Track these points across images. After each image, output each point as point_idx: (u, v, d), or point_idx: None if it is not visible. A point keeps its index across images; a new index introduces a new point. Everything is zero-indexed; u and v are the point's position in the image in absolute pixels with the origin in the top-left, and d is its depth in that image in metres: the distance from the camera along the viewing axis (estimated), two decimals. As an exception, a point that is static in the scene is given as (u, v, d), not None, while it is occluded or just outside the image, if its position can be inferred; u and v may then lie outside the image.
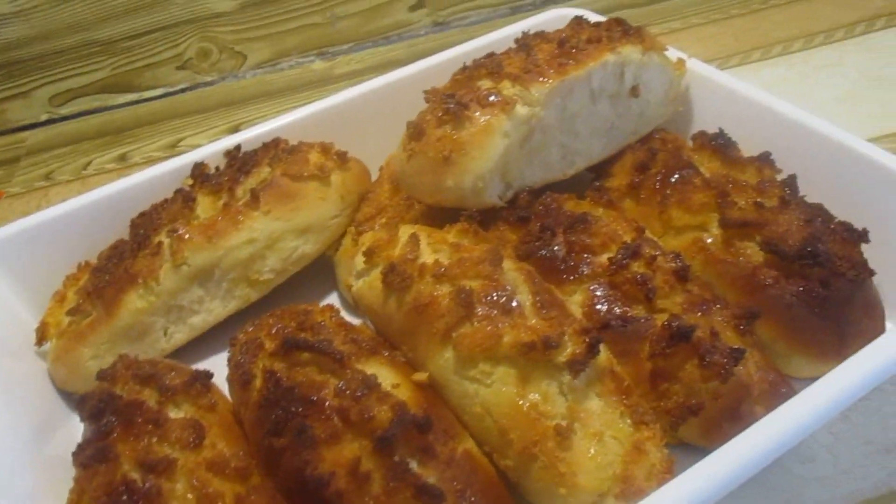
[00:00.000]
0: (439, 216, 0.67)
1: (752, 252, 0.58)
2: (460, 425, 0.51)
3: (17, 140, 1.06)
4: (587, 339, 0.49)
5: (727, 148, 0.66)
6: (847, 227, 0.59)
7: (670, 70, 0.71)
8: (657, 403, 0.52)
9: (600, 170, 0.70)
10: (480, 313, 0.51)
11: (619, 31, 0.68)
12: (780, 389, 0.53)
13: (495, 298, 0.52)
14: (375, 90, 0.80)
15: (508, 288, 0.53)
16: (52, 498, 0.55)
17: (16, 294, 0.70)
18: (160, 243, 0.65)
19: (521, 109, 0.61)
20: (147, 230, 0.67)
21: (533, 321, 0.51)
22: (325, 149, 0.71)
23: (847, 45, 0.98)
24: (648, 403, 0.51)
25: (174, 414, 0.54)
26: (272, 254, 0.67)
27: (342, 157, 0.71)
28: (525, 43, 0.67)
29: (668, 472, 0.47)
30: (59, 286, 0.72)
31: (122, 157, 1.00)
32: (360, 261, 0.60)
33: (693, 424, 0.52)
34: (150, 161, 1.00)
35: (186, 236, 0.64)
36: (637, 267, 0.55)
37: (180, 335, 0.67)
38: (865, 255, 0.59)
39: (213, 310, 0.68)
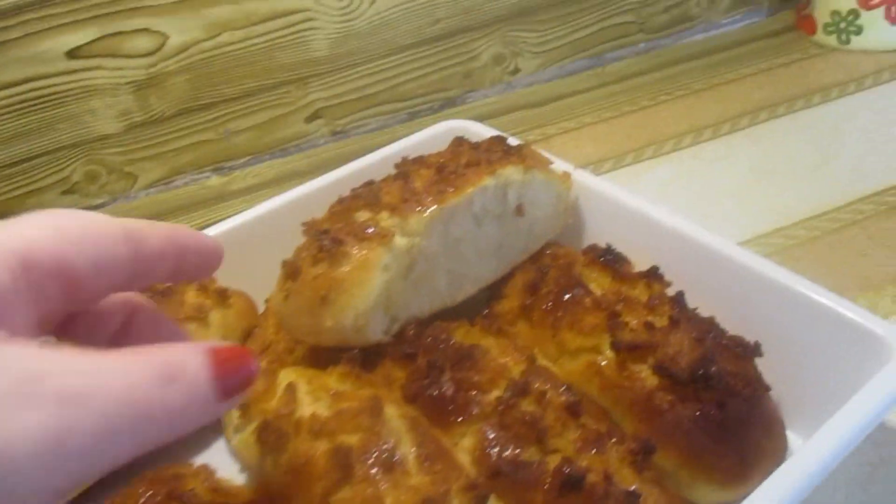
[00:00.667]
0: (327, 353, 0.64)
1: (646, 375, 0.57)
2: None
3: None
4: (474, 497, 0.46)
5: (616, 263, 0.65)
6: (739, 343, 0.58)
7: (556, 185, 0.70)
8: (555, 557, 0.48)
9: (493, 291, 0.68)
10: (360, 473, 0.47)
11: (500, 151, 0.67)
12: (684, 525, 0.51)
13: (376, 455, 0.48)
14: (263, 216, 0.77)
15: (391, 441, 0.49)
16: None
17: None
18: None
19: (400, 241, 0.58)
20: None
21: (416, 479, 0.47)
22: (203, 287, 0.68)
23: (734, 138, 1.00)
24: (545, 557, 0.48)
25: None
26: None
27: (222, 294, 0.68)
28: (403, 171, 0.66)
29: None
30: None
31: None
32: (234, 414, 0.56)
33: (595, 575, 0.49)
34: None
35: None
36: (527, 405, 0.53)
37: None
38: (760, 369, 0.58)
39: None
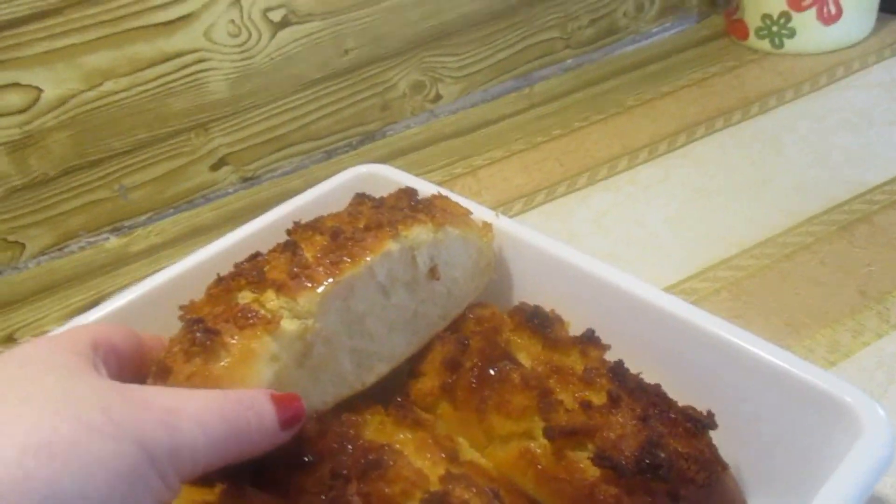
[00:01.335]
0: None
1: (586, 465, 0.49)
2: None
3: None
4: None
5: (547, 327, 0.57)
6: (690, 416, 0.50)
7: (475, 239, 0.62)
8: None
9: (411, 367, 0.60)
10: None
11: (406, 208, 0.59)
12: None
13: None
14: (162, 285, 0.67)
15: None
16: None
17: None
18: None
19: (288, 325, 0.49)
20: None
21: None
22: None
23: (671, 159, 0.94)
24: None
25: None
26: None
27: None
28: (292, 239, 0.57)
29: None
30: None
31: None
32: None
33: None
34: None
35: None
36: (446, 522, 0.44)
37: None
38: (716, 441, 0.51)
39: None
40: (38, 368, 0.35)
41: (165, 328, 0.57)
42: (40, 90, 0.87)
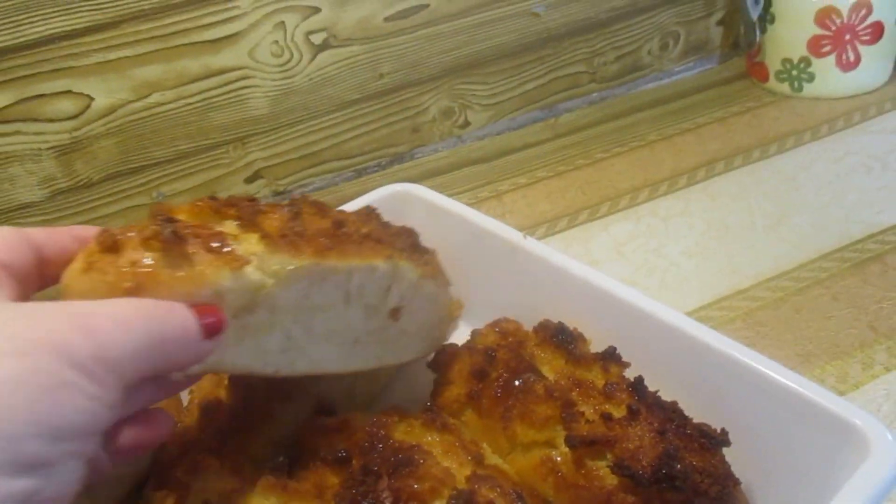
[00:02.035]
0: (254, 454, 0.57)
1: (604, 474, 0.51)
2: None
3: None
4: None
5: (570, 344, 0.60)
6: (704, 432, 0.53)
7: (443, 307, 0.63)
8: None
9: (439, 376, 0.63)
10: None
11: (407, 242, 0.60)
12: None
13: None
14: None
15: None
16: None
17: None
18: None
19: (251, 273, 0.45)
20: None
21: None
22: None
23: (691, 192, 0.97)
24: None
25: None
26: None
27: None
28: (296, 205, 0.54)
29: None
30: None
31: None
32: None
33: None
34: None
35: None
36: (473, 518, 0.47)
37: None
38: (729, 459, 0.54)
39: None
40: None
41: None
42: (91, 98, 0.92)
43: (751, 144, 1.06)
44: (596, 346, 0.63)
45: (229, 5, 0.94)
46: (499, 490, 0.49)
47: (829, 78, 1.13)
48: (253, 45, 0.97)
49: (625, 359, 0.60)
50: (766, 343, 0.72)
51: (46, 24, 0.86)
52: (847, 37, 1.10)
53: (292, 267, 0.47)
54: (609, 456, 0.52)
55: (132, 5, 0.89)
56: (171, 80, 0.95)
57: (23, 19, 0.85)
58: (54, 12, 0.86)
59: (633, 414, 0.53)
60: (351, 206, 0.80)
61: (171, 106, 0.96)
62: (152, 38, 0.91)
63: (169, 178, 1.00)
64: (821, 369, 0.69)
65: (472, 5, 1.07)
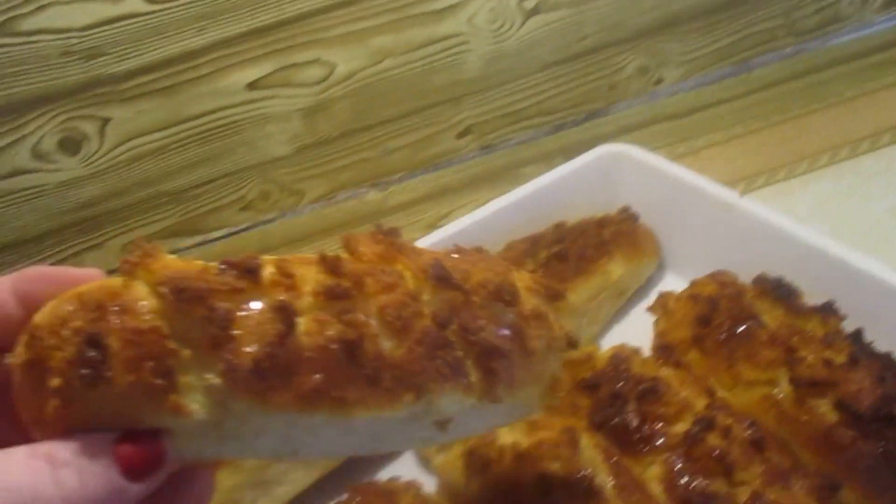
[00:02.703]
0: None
1: (825, 411, 0.59)
2: None
3: (94, 288, 1.12)
4: (672, 528, 0.50)
5: (789, 297, 0.67)
6: (919, 381, 0.59)
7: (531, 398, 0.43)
8: (746, 584, 0.52)
9: (660, 320, 0.72)
10: (562, 500, 0.53)
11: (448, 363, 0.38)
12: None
13: (576, 483, 0.53)
14: (437, 245, 0.82)
15: (588, 470, 0.54)
16: None
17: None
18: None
19: (198, 415, 0.34)
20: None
21: (616, 508, 0.52)
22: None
23: (894, 150, 0.99)
24: (737, 585, 0.52)
25: None
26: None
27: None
28: (289, 314, 0.35)
29: None
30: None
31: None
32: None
33: None
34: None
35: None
36: (713, 439, 0.56)
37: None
38: (941, 405, 0.59)
39: (298, 479, 0.70)
40: None
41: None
42: (334, 65, 1.05)
43: (959, 100, 1.05)
44: (809, 301, 0.69)
45: (453, -22, 1.04)
46: (734, 418, 0.58)
47: None
48: (472, 12, 1.06)
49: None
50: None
51: (305, 1, 0.99)
52: None
53: (257, 416, 0.35)
54: (830, 396, 0.59)
55: (372, -19, 1.01)
56: (400, 47, 1.06)
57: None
58: (310, -9, 0.99)
59: (853, 361, 0.60)
60: (565, 170, 0.89)
61: (399, 70, 1.08)
62: (388, 10, 1.03)
63: (393, 135, 1.13)
64: None
65: (672, -34, 1.11)
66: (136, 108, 1.03)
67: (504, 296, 0.40)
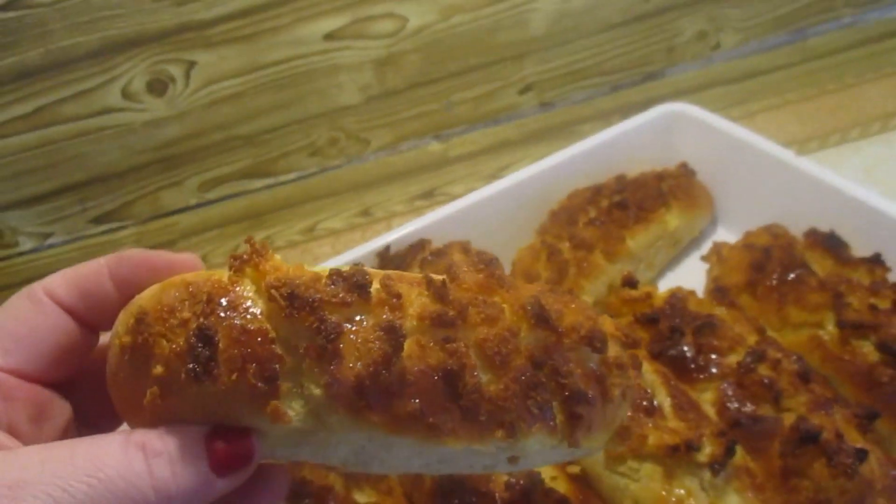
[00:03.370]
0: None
1: (867, 351, 0.64)
2: (611, 514, 0.59)
3: (171, 223, 1.20)
4: (724, 441, 0.56)
5: (839, 249, 0.72)
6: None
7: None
8: (787, 497, 0.58)
9: (713, 267, 0.77)
10: (628, 415, 0.58)
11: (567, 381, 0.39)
12: (901, 483, 0.59)
13: (638, 401, 0.59)
14: (502, 192, 0.88)
15: (648, 391, 0.60)
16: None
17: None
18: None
19: (296, 421, 0.34)
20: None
21: (673, 423, 0.58)
22: (465, 249, 0.81)
23: (946, 120, 1.02)
24: (780, 497, 0.58)
25: (360, 498, 0.63)
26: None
27: (481, 257, 0.80)
28: (398, 335, 0.35)
29: (805, 564, 0.54)
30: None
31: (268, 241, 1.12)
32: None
33: (820, 515, 0.58)
34: (291, 245, 1.13)
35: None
36: (763, 370, 0.62)
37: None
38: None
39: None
40: None
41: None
42: (407, 19, 1.10)
43: None
44: (857, 254, 0.74)
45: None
46: (783, 353, 0.64)
47: None
48: (541, -27, 1.10)
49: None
50: None
51: (383, -43, 1.04)
52: None
53: (348, 430, 0.35)
54: (873, 338, 0.64)
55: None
56: (470, 3, 1.11)
57: (363, -46, 1.04)
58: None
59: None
60: (628, 126, 0.94)
61: (468, 27, 1.13)
62: (462, -32, 1.08)
63: (457, 89, 1.18)
64: None
65: (737, -68, 1.14)
66: (220, 53, 1.09)
67: (595, 342, 0.39)
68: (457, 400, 0.35)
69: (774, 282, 0.71)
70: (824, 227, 0.76)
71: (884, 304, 0.66)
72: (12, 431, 0.37)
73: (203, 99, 1.13)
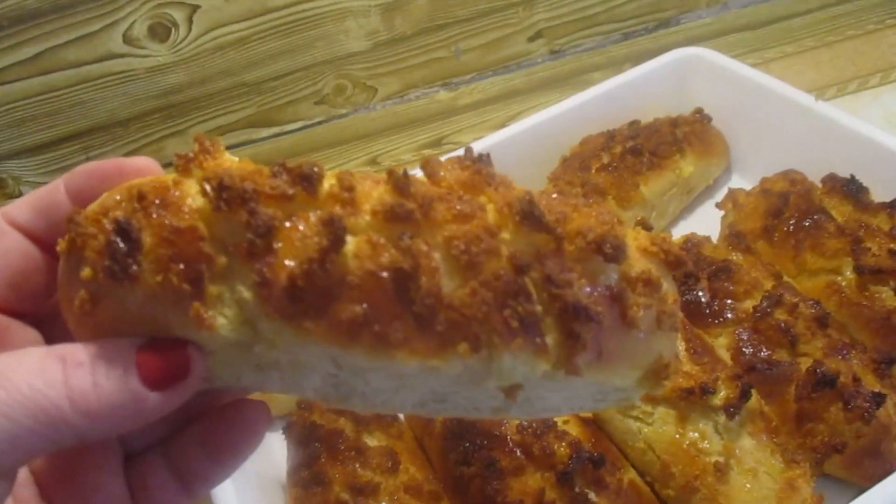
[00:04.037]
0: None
1: (886, 297, 0.63)
2: (622, 457, 0.58)
3: (175, 173, 1.19)
4: (740, 385, 0.55)
5: (859, 193, 0.70)
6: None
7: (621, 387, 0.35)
8: (802, 441, 0.57)
9: (728, 214, 0.76)
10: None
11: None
12: (917, 428, 0.58)
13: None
14: (514, 138, 0.86)
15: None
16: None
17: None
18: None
19: (226, 332, 0.30)
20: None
21: (688, 367, 0.57)
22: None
23: (968, 67, 0.99)
24: (794, 441, 0.57)
25: (370, 442, 0.63)
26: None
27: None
28: (338, 228, 0.30)
29: (819, 507, 0.53)
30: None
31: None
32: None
33: (835, 459, 0.57)
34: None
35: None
36: (779, 314, 0.61)
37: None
38: None
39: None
40: None
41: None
42: (415, -38, 1.07)
43: None
44: (877, 199, 0.72)
45: None
46: (800, 297, 0.62)
47: None
48: (553, -86, 1.07)
49: (907, 210, 0.70)
50: None
51: None
52: None
53: (289, 343, 0.30)
54: (892, 283, 0.63)
55: None
56: (479, -55, 1.08)
57: None
58: None
59: (917, 252, 0.64)
60: (642, 70, 0.92)
61: (477, -31, 1.10)
62: None
63: (466, 35, 1.16)
64: None
65: None
66: (223, -4, 1.06)
67: (606, 249, 0.31)
68: (410, 306, 0.29)
69: (791, 228, 0.69)
70: (843, 173, 0.74)
71: (903, 250, 0.64)
72: None
73: (207, 44, 1.10)
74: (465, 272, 0.30)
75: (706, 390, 0.54)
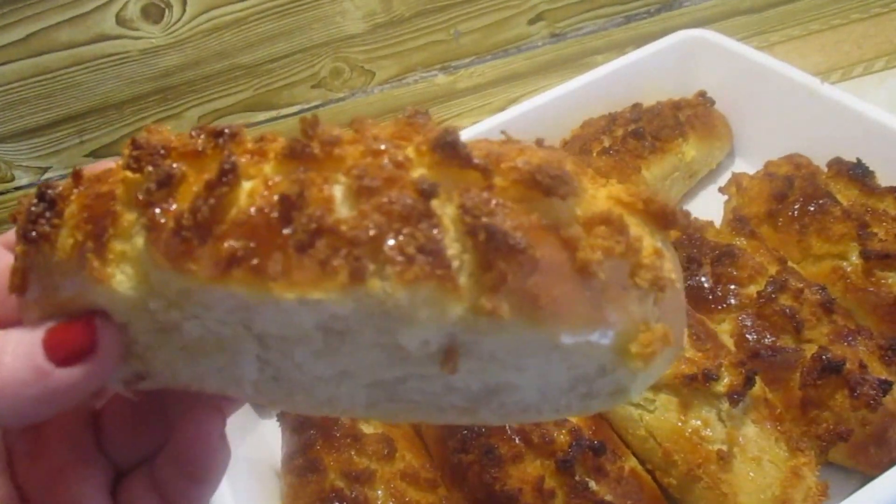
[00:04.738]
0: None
1: (892, 282, 0.62)
2: (623, 445, 0.57)
3: (171, 157, 1.17)
4: (743, 372, 0.54)
5: (865, 177, 0.69)
6: None
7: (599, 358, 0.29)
8: (807, 428, 0.56)
9: (732, 198, 0.74)
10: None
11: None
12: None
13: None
14: (514, 120, 0.85)
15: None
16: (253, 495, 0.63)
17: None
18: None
19: (123, 289, 0.29)
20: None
21: (691, 353, 0.56)
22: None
23: (975, 51, 0.98)
24: (799, 428, 0.56)
25: (366, 428, 0.62)
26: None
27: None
28: (231, 167, 0.29)
29: (824, 496, 0.52)
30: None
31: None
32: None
33: (840, 447, 0.56)
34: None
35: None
36: (784, 299, 0.60)
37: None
38: None
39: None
40: None
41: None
42: (413, -58, 1.05)
43: None
44: (883, 183, 0.71)
45: None
46: (805, 283, 0.61)
47: None
48: None
49: (913, 195, 0.69)
50: None
51: None
52: None
53: (179, 288, 0.28)
54: (899, 268, 0.62)
55: None
56: (480, -75, 1.06)
57: None
58: None
59: (925, 236, 0.62)
60: (645, 52, 0.90)
61: (477, -50, 1.08)
62: None
63: (465, 17, 1.14)
64: None
65: None
66: (218, -24, 1.04)
67: (541, 178, 0.27)
68: (293, 235, 0.26)
69: (796, 212, 0.68)
70: (849, 157, 0.73)
71: (911, 234, 0.63)
72: None
73: (202, 26, 1.09)
74: (359, 197, 0.27)
75: (709, 377, 0.53)
